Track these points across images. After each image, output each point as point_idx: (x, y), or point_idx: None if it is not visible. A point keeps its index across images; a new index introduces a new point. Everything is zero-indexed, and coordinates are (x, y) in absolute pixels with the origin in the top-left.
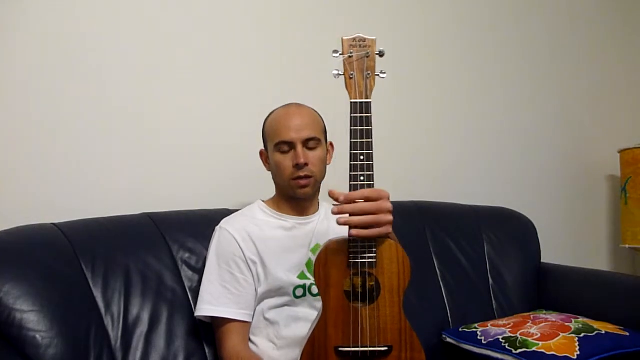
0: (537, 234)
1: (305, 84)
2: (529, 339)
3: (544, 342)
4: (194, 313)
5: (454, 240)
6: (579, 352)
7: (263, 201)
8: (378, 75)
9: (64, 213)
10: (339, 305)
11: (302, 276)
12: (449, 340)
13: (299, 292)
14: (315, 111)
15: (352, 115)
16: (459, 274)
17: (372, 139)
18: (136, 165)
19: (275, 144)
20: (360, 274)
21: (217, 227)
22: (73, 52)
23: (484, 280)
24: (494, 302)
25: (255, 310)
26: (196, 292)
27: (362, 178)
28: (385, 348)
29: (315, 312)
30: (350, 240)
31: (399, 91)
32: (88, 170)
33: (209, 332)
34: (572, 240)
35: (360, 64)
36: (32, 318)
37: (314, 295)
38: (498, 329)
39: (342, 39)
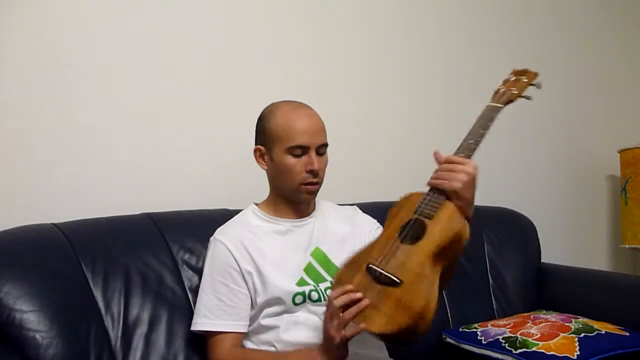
0: (537, 234)
1: (304, 85)
2: (529, 339)
3: (544, 342)
4: (193, 313)
5: None
6: (579, 352)
7: (256, 204)
8: (521, 96)
9: (64, 213)
10: (390, 235)
11: (301, 282)
12: (449, 340)
13: (298, 299)
14: None
15: (485, 112)
16: (459, 274)
17: (486, 132)
18: (136, 165)
19: (288, 147)
20: (415, 221)
21: (212, 238)
22: (72, 51)
23: (484, 280)
24: (494, 302)
25: (252, 318)
26: (196, 292)
27: (461, 154)
28: (397, 280)
29: (314, 317)
30: (426, 193)
31: (401, 91)
32: (88, 170)
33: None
34: (572, 240)
35: (513, 83)
36: (32, 318)
37: (313, 301)
38: (498, 329)
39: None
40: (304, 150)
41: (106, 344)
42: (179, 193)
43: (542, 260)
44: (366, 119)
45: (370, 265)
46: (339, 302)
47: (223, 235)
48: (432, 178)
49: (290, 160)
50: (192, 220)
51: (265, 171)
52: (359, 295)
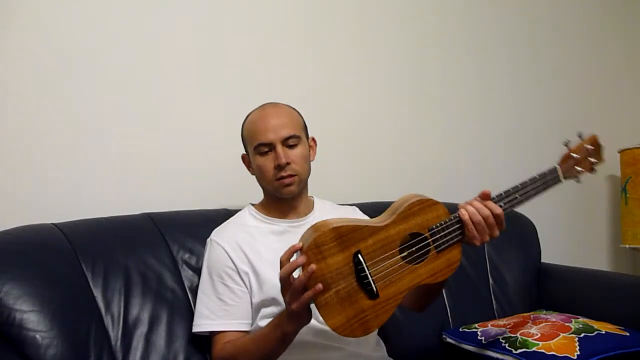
0: (537, 234)
1: (303, 86)
2: (529, 339)
3: (544, 342)
4: (194, 313)
5: None
6: (579, 352)
7: (253, 205)
8: (577, 177)
9: (64, 213)
10: (394, 239)
11: None
12: (449, 340)
13: None
14: (293, 108)
15: (548, 176)
16: (459, 274)
17: (537, 197)
18: (136, 165)
19: (255, 147)
20: (424, 242)
21: (208, 240)
22: (72, 52)
23: (484, 280)
24: (494, 302)
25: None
26: (196, 292)
27: (502, 204)
28: (376, 293)
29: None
30: (450, 218)
31: (403, 92)
32: (88, 170)
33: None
34: (572, 240)
35: (584, 156)
36: (32, 318)
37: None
38: (498, 329)
39: (596, 137)
40: (269, 147)
41: (106, 344)
42: (179, 193)
43: (542, 260)
44: (366, 119)
45: (360, 259)
46: (282, 274)
47: (219, 236)
48: (470, 214)
49: (260, 159)
50: (192, 220)
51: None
52: (300, 260)
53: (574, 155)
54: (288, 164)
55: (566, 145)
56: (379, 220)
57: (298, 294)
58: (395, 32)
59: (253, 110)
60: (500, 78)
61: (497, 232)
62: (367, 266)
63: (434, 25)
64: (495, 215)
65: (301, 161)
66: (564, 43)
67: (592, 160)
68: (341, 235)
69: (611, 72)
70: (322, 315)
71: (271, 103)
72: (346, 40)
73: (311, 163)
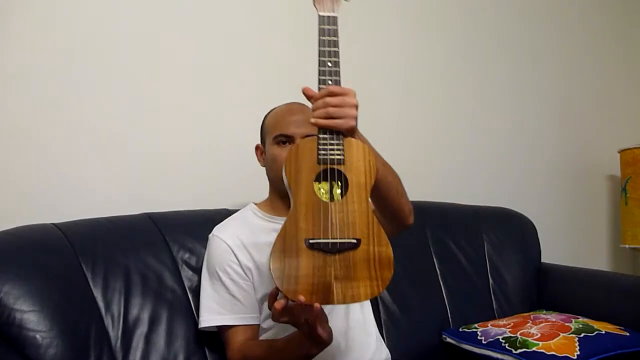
0: (537, 234)
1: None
2: (529, 339)
3: (544, 342)
4: (194, 313)
5: (454, 240)
6: (579, 352)
7: (256, 204)
8: (338, 3)
9: (64, 213)
10: (309, 200)
11: None
12: (449, 340)
13: None
14: None
15: (321, 27)
16: (459, 274)
17: (338, 48)
18: (136, 165)
19: (274, 137)
20: (329, 170)
21: (210, 236)
22: (72, 51)
23: (484, 280)
24: (494, 302)
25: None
26: (196, 292)
27: (329, 82)
28: (355, 241)
29: None
30: (320, 138)
31: (401, 92)
32: (88, 170)
33: (209, 332)
34: (572, 240)
35: None
36: (32, 318)
37: None
38: (498, 329)
39: None
40: (289, 139)
41: (106, 344)
42: (179, 193)
43: (542, 260)
44: (365, 120)
45: (313, 241)
46: (276, 315)
47: (221, 232)
48: (317, 117)
49: (276, 149)
50: (192, 220)
51: (264, 170)
52: (281, 303)
53: None
54: None
55: None
56: (290, 207)
57: (306, 324)
58: (395, 33)
59: (278, 105)
60: (499, 78)
61: (353, 100)
62: (323, 238)
63: (434, 26)
64: (332, 94)
65: None
66: (563, 43)
67: None
68: (283, 248)
69: (611, 73)
70: (352, 301)
71: (298, 102)
72: (347, 40)
73: None
